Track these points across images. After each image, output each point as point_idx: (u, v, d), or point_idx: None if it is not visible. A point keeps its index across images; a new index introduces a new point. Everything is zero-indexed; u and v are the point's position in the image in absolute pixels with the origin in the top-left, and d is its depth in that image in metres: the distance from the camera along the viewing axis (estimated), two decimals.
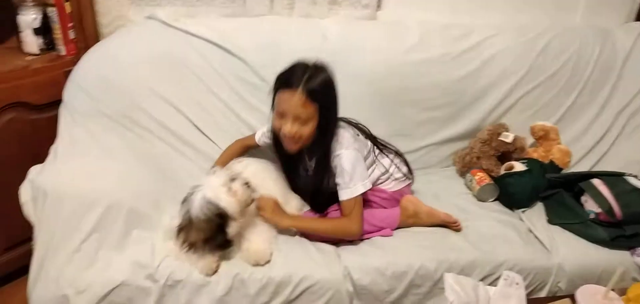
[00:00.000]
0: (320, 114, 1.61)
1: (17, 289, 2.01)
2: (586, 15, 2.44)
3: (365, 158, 1.78)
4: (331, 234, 1.71)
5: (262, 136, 1.92)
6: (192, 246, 1.51)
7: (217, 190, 1.47)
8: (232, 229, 1.49)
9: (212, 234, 1.49)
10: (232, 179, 1.52)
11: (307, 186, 1.84)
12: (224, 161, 1.89)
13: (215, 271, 1.54)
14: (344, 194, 1.69)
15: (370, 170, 1.82)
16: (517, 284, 1.40)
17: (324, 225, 1.74)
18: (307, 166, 1.82)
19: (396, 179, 1.89)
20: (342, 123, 1.77)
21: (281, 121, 1.64)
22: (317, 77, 1.59)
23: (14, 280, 2.04)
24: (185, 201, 1.52)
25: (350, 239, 1.72)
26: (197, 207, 1.46)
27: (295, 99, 1.57)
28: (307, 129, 1.62)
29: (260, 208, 1.67)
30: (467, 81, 2.17)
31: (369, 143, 1.84)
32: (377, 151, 1.87)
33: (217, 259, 1.55)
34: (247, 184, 1.54)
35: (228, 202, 1.46)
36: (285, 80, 1.61)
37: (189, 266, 1.53)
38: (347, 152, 1.68)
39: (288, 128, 1.61)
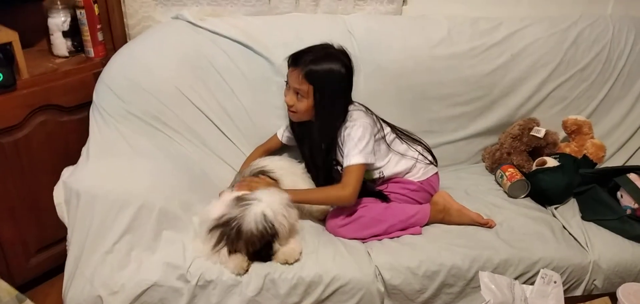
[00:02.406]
0: (315, 95, 1.72)
1: (50, 289, 2.04)
2: (618, 5, 2.38)
3: (376, 138, 1.81)
4: (323, 202, 1.80)
5: (283, 132, 2.01)
6: (230, 253, 1.52)
7: (276, 209, 1.51)
8: (277, 247, 1.54)
9: (260, 248, 1.52)
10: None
11: (321, 167, 1.87)
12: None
13: (246, 271, 1.54)
14: (345, 161, 1.74)
15: (387, 158, 1.85)
16: (555, 282, 1.38)
17: (316, 194, 1.81)
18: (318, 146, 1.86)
19: (423, 167, 1.89)
20: (357, 106, 1.84)
21: (286, 92, 1.81)
22: (321, 62, 1.72)
23: (47, 280, 2.07)
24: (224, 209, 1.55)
25: (341, 205, 1.76)
26: (251, 221, 1.49)
27: (294, 74, 1.74)
28: (302, 105, 1.75)
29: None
30: (496, 75, 2.14)
31: (388, 129, 1.88)
32: (403, 143, 1.89)
33: (247, 258, 1.54)
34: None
35: (282, 225, 1.51)
36: (294, 58, 1.77)
37: (219, 267, 1.52)
38: (354, 124, 1.76)
39: (286, 98, 1.80)
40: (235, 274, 1.52)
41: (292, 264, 1.56)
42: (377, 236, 1.73)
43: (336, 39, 2.05)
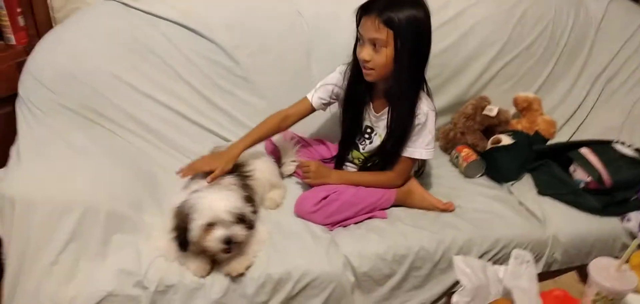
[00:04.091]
0: (395, 43, 1.54)
1: None
2: None
3: None
4: (374, 185, 1.73)
5: (317, 99, 1.78)
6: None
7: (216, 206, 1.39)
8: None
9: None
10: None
11: (364, 152, 1.81)
12: (260, 136, 1.76)
13: (209, 273, 1.43)
14: (411, 152, 1.69)
15: None
16: (528, 262, 1.36)
17: (369, 177, 1.75)
18: (374, 125, 1.77)
19: None
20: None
21: (359, 47, 1.63)
22: (399, 7, 1.53)
23: None
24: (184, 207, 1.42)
25: (388, 189, 1.74)
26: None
27: (369, 23, 1.56)
28: (380, 58, 1.57)
29: (304, 173, 1.73)
30: (447, 54, 2.12)
31: None
32: None
33: (209, 260, 1.43)
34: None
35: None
36: (366, 5, 1.59)
37: (180, 269, 1.41)
38: (433, 113, 1.69)
39: (362, 53, 1.59)
40: (198, 277, 1.41)
41: (233, 277, 1.44)
42: (346, 220, 1.67)
43: (284, 19, 2.00)
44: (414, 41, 1.56)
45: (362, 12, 1.60)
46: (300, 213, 1.67)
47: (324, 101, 1.79)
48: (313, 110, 1.81)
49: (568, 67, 2.31)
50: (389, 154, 1.73)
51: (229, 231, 1.36)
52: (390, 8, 1.53)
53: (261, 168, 1.71)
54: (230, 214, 1.36)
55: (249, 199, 1.50)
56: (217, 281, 1.43)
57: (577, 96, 2.30)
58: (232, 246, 1.37)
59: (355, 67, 1.70)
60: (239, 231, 1.38)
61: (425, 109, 1.66)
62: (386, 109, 1.69)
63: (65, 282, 1.33)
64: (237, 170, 1.64)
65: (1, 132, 1.71)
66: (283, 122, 1.78)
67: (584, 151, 1.89)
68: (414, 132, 1.67)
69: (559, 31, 2.27)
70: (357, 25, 1.63)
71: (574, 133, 2.24)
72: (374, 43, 1.57)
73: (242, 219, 1.39)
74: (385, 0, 1.55)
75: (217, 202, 1.37)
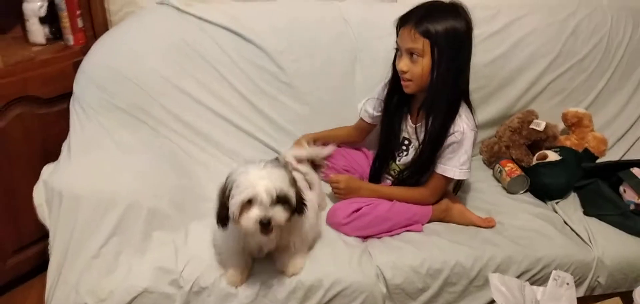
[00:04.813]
0: (432, 53, 1.53)
1: (28, 292, 1.93)
2: None
3: None
4: (406, 201, 1.70)
5: (364, 112, 1.87)
6: None
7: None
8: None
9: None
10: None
11: (400, 164, 1.80)
12: (335, 134, 1.93)
13: (241, 284, 1.45)
14: (444, 170, 1.66)
15: None
16: (568, 284, 1.33)
17: (401, 193, 1.72)
18: (411, 137, 1.75)
19: None
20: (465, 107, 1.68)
21: (398, 59, 1.63)
22: (437, 17, 1.53)
23: (25, 282, 1.95)
24: None
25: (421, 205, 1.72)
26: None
27: (405, 33, 1.56)
28: (417, 68, 1.56)
29: (334, 189, 1.73)
30: (495, 65, 2.08)
31: None
32: None
33: (243, 270, 1.45)
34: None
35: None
36: (404, 16, 1.60)
37: (215, 272, 1.44)
38: (471, 133, 1.63)
39: (400, 64, 1.60)
40: (230, 286, 1.44)
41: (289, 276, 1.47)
42: (380, 234, 1.66)
43: (330, 27, 2.01)
44: (451, 51, 1.54)
45: (401, 23, 1.60)
46: (332, 225, 1.67)
47: (370, 114, 1.84)
48: (368, 124, 1.87)
49: (623, 82, 2.22)
50: (421, 168, 1.70)
51: (267, 211, 1.26)
52: (427, 18, 1.53)
53: (316, 182, 1.72)
54: (270, 194, 1.26)
55: (295, 185, 1.38)
56: (250, 286, 1.44)
57: (631, 113, 2.20)
58: (270, 228, 1.29)
59: (394, 79, 1.71)
60: (279, 213, 1.28)
61: (462, 127, 1.61)
62: (422, 120, 1.68)
63: (105, 275, 1.39)
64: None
65: (56, 128, 1.79)
66: (353, 133, 1.94)
67: (636, 170, 1.81)
68: (449, 149, 1.64)
69: (614, 44, 2.18)
70: (397, 37, 1.63)
71: (627, 151, 2.15)
72: (411, 53, 1.57)
73: (285, 201, 1.30)
74: (423, 10, 1.55)
75: (258, 179, 1.27)
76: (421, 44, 1.53)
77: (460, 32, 1.54)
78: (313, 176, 1.72)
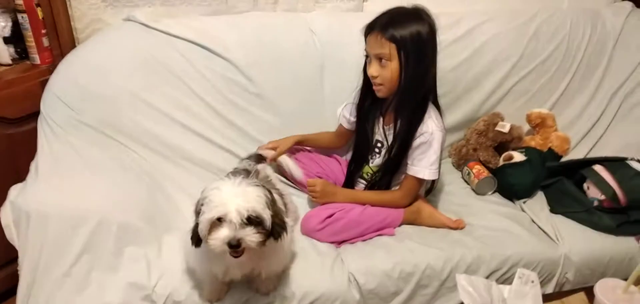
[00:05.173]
0: (399, 56, 1.59)
1: None
2: None
3: None
4: (380, 204, 1.74)
5: (342, 118, 1.93)
6: None
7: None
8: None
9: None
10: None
11: (373, 166, 1.83)
12: (314, 139, 1.99)
13: (219, 299, 1.45)
14: (415, 172, 1.70)
15: None
16: (533, 282, 1.35)
17: (375, 196, 1.76)
18: (383, 139, 1.79)
19: None
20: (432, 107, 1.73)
21: (368, 65, 1.68)
22: (401, 22, 1.58)
23: None
24: None
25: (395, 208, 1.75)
26: None
27: (373, 39, 1.62)
28: (387, 72, 1.61)
29: (310, 192, 1.75)
30: (459, 70, 2.12)
31: None
32: None
33: (220, 288, 1.45)
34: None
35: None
36: (369, 24, 1.65)
37: (189, 285, 1.44)
38: (440, 133, 1.68)
39: (370, 70, 1.65)
40: (208, 302, 1.44)
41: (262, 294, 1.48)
42: (353, 238, 1.68)
43: (298, 38, 2.03)
44: (417, 54, 1.59)
45: (367, 30, 1.65)
46: (306, 231, 1.69)
47: (347, 119, 1.90)
48: (346, 129, 1.92)
49: (585, 82, 2.28)
50: (391, 168, 1.74)
51: (236, 232, 1.19)
52: (392, 24, 1.58)
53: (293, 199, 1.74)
54: (242, 214, 1.19)
55: (274, 206, 1.31)
56: (226, 300, 1.45)
57: (593, 112, 2.26)
58: (240, 250, 1.22)
59: (365, 84, 1.75)
60: (250, 235, 1.21)
61: (432, 128, 1.66)
62: (393, 123, 1.72)
63: (76, 293, 1.38)
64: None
65: (24, 148, 1.77)
66: (335, 139, 1.99)
67: (598, 168, 1.86)
68: (419, 151, 1.68)
69: (574, 46, 2.24)
70: (365, 44, 1.67)
71: (591, 150, 2.20)
72: (379, 58, 1.62)
73: (259, 223, 1.23)
74: (388, 16, 1.61)
75: (231, 197, 1.20)
76: (388, 48, 1.58)
77: (424, 35, 1.59)
78: (285, 190, 1.73)
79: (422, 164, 1.68)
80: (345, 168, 1.93)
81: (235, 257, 1.24)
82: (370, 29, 1.63)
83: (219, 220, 1.20)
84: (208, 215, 1.20)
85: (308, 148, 2.02)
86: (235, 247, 1.21)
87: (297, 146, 1.97)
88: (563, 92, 2.26)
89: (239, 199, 1.20)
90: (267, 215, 1.24)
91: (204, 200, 1.23)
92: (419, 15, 1.61)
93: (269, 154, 1.85)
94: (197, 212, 1.25)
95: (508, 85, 2.20)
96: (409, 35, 1.57)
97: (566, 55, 2.24)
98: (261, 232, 1.23)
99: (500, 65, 2.17)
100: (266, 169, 1.74)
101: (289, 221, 1.46)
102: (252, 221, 1.21)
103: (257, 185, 1.27)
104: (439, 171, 1.73)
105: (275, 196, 1.40)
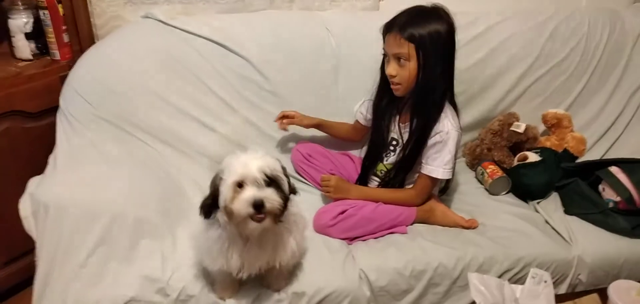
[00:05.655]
0: (418, 56, 1.59)
1: (18, 303, 1.94)
2: None
3: None
4: (393, 202, 1.74)
5: (359, 114, 1.94)
6: None
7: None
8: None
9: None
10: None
11: (387, 164, 1.83)
12: (332, 126, 2.00)
13: (230, 297, 1.46)
14: (430, 171, 1.70)
15: None
16: (545, 282, 1.35)
17: (389, 194, 1.76)
18: (399, 137, 1.79)
19: None
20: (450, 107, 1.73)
21: (386, 64, 1.68)
22: (419, 21, 1.58)
23: (15, 294, 1.97)
24: None
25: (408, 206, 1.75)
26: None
27: (391, 39, 1.62)
28: (405, 72, 1.62)
29: (324, 187, 1.77)
30: (475, 69, 2.12)
31: None
32: None
33: (232, 284, 1.46)
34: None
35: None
36: (388, 23, 1.65)
37: (203, 280, 1.46)
38: (456, 133, 1.68)
39: (388, 69, 1.65)
40: (219, 299, 1.46)
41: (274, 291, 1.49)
42: (365, 235, 1.69)
43: (313, 36, 2.05)
44: (436, 53, 1.59)
45: (386, 30, 1.65)
46: (318, 227, 1.69)
47: (363, 116, 1.91)
48: (363, 125, 1.93)
49: (602, 83, 2.25)
50: (405, 167, 1.75)
51: (260, 192, 1.21)
52: (411, 23, 1.58)
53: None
54: (263, 174, 1.22)
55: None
56: (236, 297, 1.47)
57: (610, 113, 2.23)
58: (264, 212, 1.23)
59: (383, 82, 1.76)
60: (272, 195, 1.23)
61: (448, 127, 1.66)
62: (410, 121, 1.72)
63: (91, 285, 1.40)
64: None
65: (43, 142, 1.81)
66: (351, 132, 2.00)
67: (614, 169, 1.84)
68: (434, 150, 1.68)
69: (592, 46, 2.22)
70: (384, 43, 1.67)
71: (607, 151, 2.18)
72: (398, 58, 1.61)
73: (278, 185, 1.25)
74: (407, 15, 1.61)
75: (251, 160, 1.23)
76: (407, 48, 1.58)
77: (443, 34, 1.59)
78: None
79: (436, 163, 1.68)
80: (358, 166, 1.94)
81: (259, 222, 1.24)
82: (389, 29, 1.63)
83: (240, 186, 1.22)
84: (230, 178, 1.22)
85: (320, 146, 2.02)
86: (259, 207, 1.22)
87: (312, 143, 1.99)
88: (580, 93, 2.24)
89: (258, 161, 1.24)
90: (283, 177, 1.28)
91: (224, 169, 1.25)
92: (438, 14, 1.61)
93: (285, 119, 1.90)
94: (215, 185, 1.27)
95: (524, 85, 2.18)
96: (428, 35, 1.57)
97: (584, 56, 2.22)
98: (280, 195, 1.26)
99: (516, 65, 2.16)
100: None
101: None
102: (272, 181, 1.24)
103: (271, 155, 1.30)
104: (454, 171, 1.73)
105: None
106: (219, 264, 1.35)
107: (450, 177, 1.73)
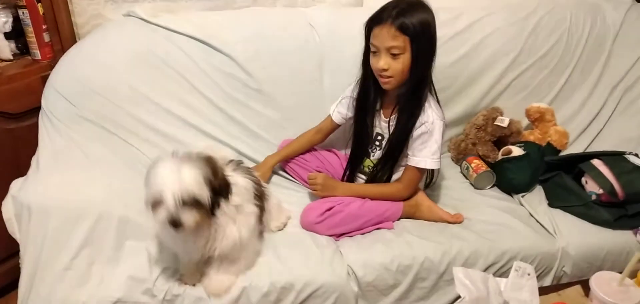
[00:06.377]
0: (412, 48, 1.58)
1: None
2: None
3: None
4: (381, 197, 1.75)
5: (337, 114, 1.90)
6: None
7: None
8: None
9: None
10: None
11: (373, 160, 1.84)
12: (294, 150, 1.96)
13: (199, 281, 1.47)
14: (417, 162, 1.70)
15: None
16: (529, 275, 1.35)
17: (376, 189, 1.77)
18: (384, 132, 1.79)
19: None
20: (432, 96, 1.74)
21: (375, 58, 1.64)
22: (410, 12, 1.56)
23: (1, 297, 1.95)
24: None
25: (396, 201, 1.76)
26: None
27: (384, 31, 1.58)
28: (398, 65, 1.60)
29: (311, 185, 1.76)
30: (459, 65, 2.13)
31: None
32: None
33: (195, 267, 1.47)
34: None
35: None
36: (376, 16, 1.62)
37: None
38: (440, 122, 1.69)
39: (380, 63, 1.61)
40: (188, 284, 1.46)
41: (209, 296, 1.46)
42: (352, 232, 1.69)
43: (297, 33, 2.04)
44: (427, 44, 1.61)
45: (374, 23, 1.63)
46: (305, 224, 1.70)
47: (343, 115, 1.87)
48: (337, 125, 1.90)
49: (584, 76, 2.28)
50: (392, 160, 1.76)
51: (174, 213, 1.22)
52: (402, 15, 1.56)
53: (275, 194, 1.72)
54: (176, 198, 1.21)
55: (216, 178, 1.32)
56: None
57: (593, 107, 2.26)
58: (180, 228, 1.25)
59: (366, 77, 1.75)
60: (188, 216, 1.24)
61: (432, 117, 1.67)
62: (395, 114, 1.72)
63: (77, 287, 1.39)
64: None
65: (26, 143, 1.78)
66: (315, 137, 1.94)
67: (596, 162, 1.86)
68: (420, 141, 1.69)
69: (574, 40, 2.24)
70: (367, 38, 1.66)
71: (590, 144, 2.20)
72: (391, 51, 1.60)
73: (196, 204, 1.25)
74: (397, 8, 1.58)
75: (166, 180, 1.22)
76: (402, 41, 1.57)
77: (431, 24, 1.60)
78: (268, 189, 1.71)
79: (423, 154, 1.69)
80: (344, 162, 1.94)
81: (180, 232, 1.27)
82: (379, 21, 1.60)
83: (157, 204, 1.24)
84: (149, 196, 1.26)
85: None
86: (177, 224, 1.23)
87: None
88: (562, 87, 2.26)
89: (173, 183, 1.22)
90: (204, 194, 1.25)
91: (146, 178, 1.27)
92: (423, 4, 1.61)
93: None
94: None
95: (507, 80, 2.20)
96: (420, 25, 1.57)
97: (566, 50, 2.24)
98: (200, 211, 1.26)
99: (499, 60, 2.17)
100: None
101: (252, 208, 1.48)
102: (188, 202, 1.23)
103: (195, 162, 1.28)
104: (440, 161, 1.74)
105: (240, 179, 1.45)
106: (170, 247, 1.43)
107: (438, 166, 1.74)
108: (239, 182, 1.43)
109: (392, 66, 1.61)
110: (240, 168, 1.53)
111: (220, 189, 1.32)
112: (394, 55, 1.60)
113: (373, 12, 1.66)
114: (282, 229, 1.70)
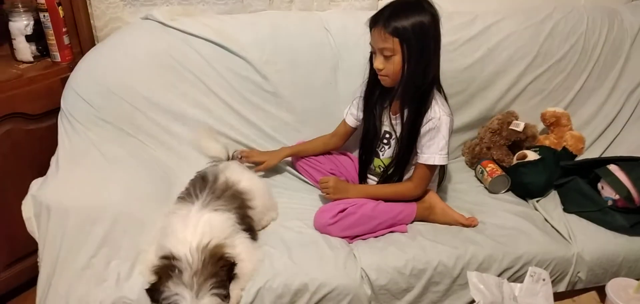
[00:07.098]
0: (403, 50, 1.60)
1: None
2: None
3: None
4: (393, 197, 1.76)
5: (349, 116, 1.93)
6: None
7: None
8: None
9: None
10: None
11: (384, 159, 1.85)
12: (306, 148, 1.99)
13: None
14: (426, 159, 1.71)
15: None
16: (544, 280, 1.36)
17: (388, 189, 1.79)
18: (392, 130, 1.81)
19: None
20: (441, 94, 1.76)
21: (374, 58, 1.69)
22: (403, 14, 1.59)
23: (18, 295, 1.98)
24: None
25: (408, 201, 1.77)
26: None
27: (376, 34, 1.63)
28: (391, 66, 1.63)
29: (323, 189, 1.78)
30: (474, 69, 2.12)
31: None
32: None
33: None
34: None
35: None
36: (372, 18, 1.66)
37: None
38: (447, 118, 1.69)
39: (375, 63, 1.67)
40: None
41: None
42: (365, 234, 1.70)
43: (313, 36, 2.06)
44: (419, 45, 1.60)
45: (371, 24, 1.66)
46: (319, 226, 1.70)
47: (355, 116, 1.90)
48: (351, 128, 1.92)
49: (601, 81, 2.26)
50: (402, 159, 1.76)
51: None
52: (394, 17, 1.59)
53: (258, 195, 1.70)
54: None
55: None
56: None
57: (609, 111, 2.24)
58: None
59: (372, 75, 1.78)
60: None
61: (439, 113, 1.68)
62: (402, 112, 1.73)
63: (95, 286, 1.40)
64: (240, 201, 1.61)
65: (45, 144, 1.82)
66: (330, 140, 1.97)
67: (613, 167, 1.85)
68: (428, 137, 1.70)
69: (591, 44, 2.23)
70: (370, 37, 1.69)
71: (606, 149, 2.18)
72: (383, 52, 1.63)
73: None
74: (390, 10, 1.62)
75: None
76: (391, 42, 1.60)
77: (426, 24, 1.60)
78: (257, 184, 1.73)
79: (431, 150, 1.70)
80: (357, 165, 1.95)
81: None
82: (374, 23, 1.64)
83: None
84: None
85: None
86: None
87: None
88: (579, 91, 2.25)
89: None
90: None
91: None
92: (420, 5, 1.61)
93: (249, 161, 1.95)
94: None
95: (523, 84, 2.19)
96: (411, 28, 1.58)
97: (582, 54, 2.22)
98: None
99: (515, 64, 2.17)
100: (228, 169, 1.70)
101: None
102: None
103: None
104: (448, 157, 1.74)
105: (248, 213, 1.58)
106: None
107: (446, 162, 1.74)
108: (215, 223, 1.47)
109: (386, 66, 1.65)
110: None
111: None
112: (386, 57, 1.63)
113: None
114: (265, 227, 1.73)
